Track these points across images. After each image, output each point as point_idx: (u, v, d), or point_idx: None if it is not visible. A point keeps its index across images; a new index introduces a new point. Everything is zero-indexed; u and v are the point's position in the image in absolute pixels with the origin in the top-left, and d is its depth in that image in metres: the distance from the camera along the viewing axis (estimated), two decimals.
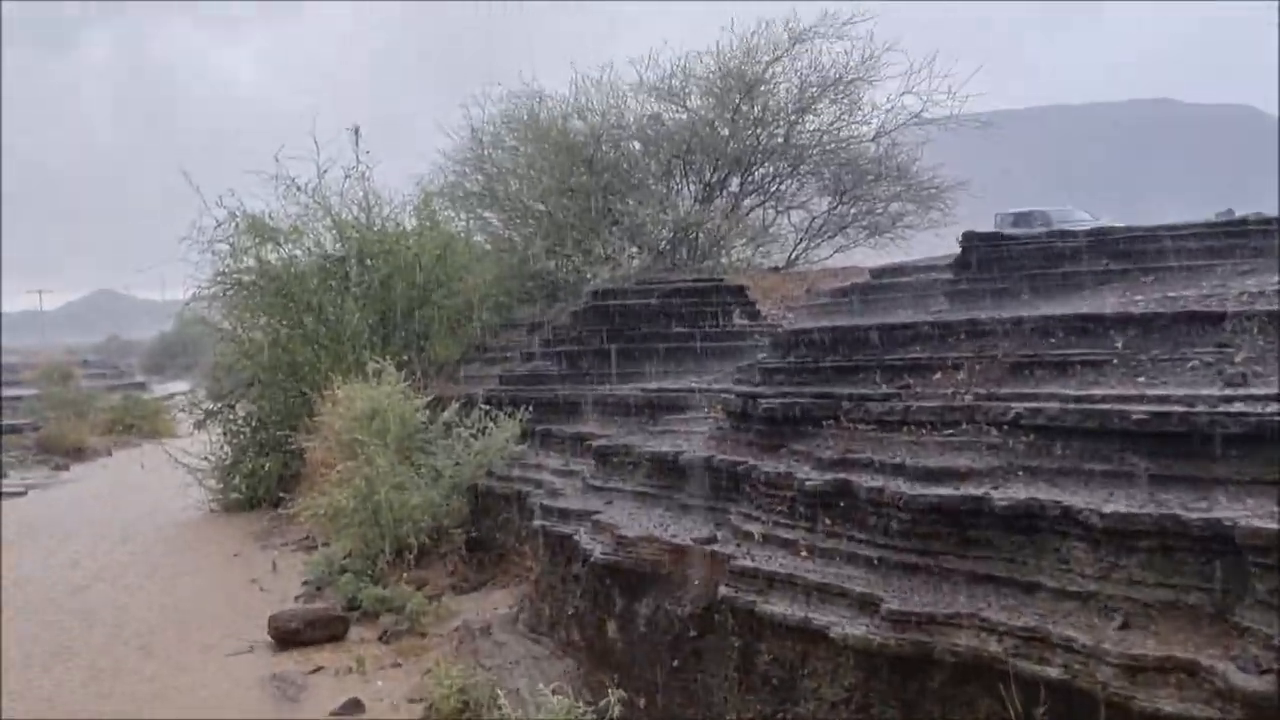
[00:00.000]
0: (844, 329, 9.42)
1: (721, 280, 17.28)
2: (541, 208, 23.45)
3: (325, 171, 22.43)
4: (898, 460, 7.19)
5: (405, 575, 14.10)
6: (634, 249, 22.80)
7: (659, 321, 15.73)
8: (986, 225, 19.60)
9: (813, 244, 25.26)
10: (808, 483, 7.54)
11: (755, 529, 7.95)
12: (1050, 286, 10.39)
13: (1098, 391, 6.82)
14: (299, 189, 22.40)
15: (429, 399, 16.24)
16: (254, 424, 23.73)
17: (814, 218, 25.23)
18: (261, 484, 22.49)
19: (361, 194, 22.78)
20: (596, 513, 10.01)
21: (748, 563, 7.52)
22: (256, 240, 22.48)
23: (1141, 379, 6.98)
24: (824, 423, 8.43)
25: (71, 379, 46.78)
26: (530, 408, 15.09)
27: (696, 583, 8.15)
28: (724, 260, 23.00)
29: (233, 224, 22.22)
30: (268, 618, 12.94)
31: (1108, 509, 5.67)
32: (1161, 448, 6.02)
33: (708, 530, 8.58)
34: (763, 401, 9.07)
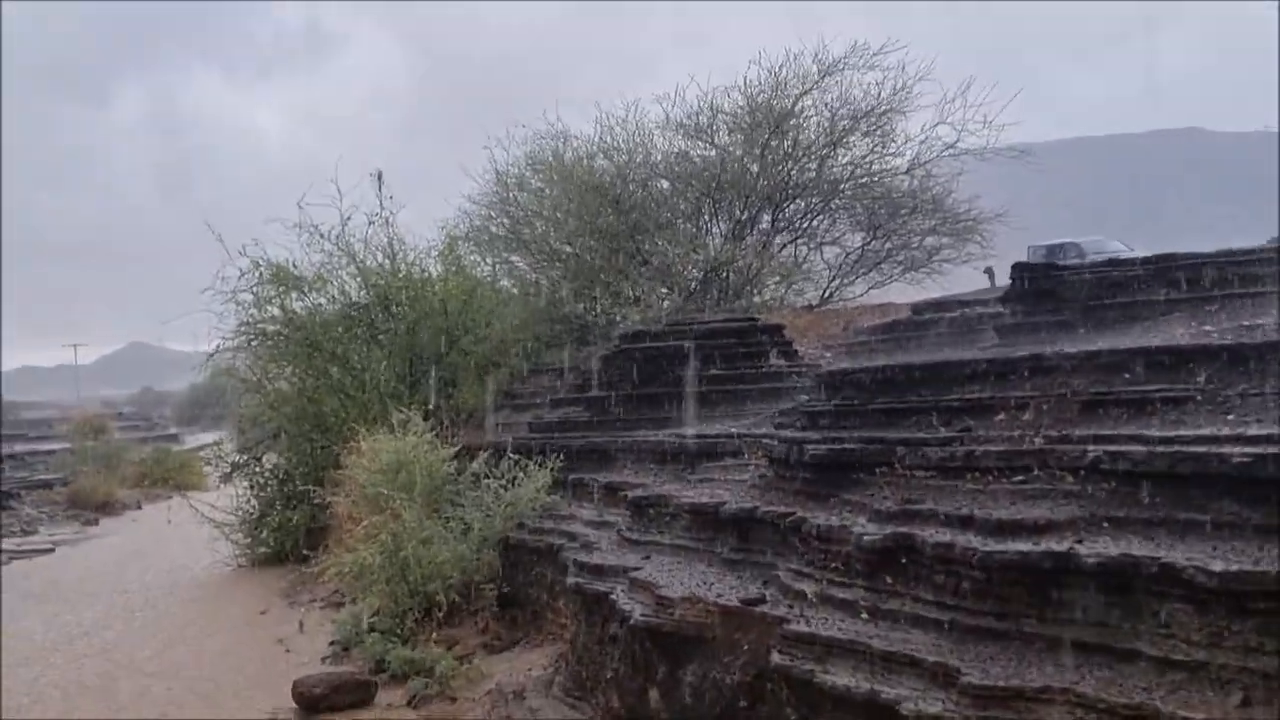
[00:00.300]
0: (893, 368, 8.85)
1: (756, 320, 16.66)
2: (568, 250, 23.06)
3: (349, 218, 22.17)
4: (964, 511, 6.58)
5: (434, 634, 13.48)
6: (664, 290, 22.33)
7: (692, 364, 15.11)
8: (1018, 258, 18.96)
9: (847, 280, 24.72)
10: (865, 537, 6.92)
11: (808, 588, 7.32)
12: (1110, 318, 9.80)
13: (1186, 432, 6.20)
14: (322, 236, 22.16)
15: (456, 448, 15.74)
16: (280, 476, 23.31)
17: (848, 253, 24.71)
18: (289, 537, 21.88)
19: (386, 240, 22.51)
20: (634, 569, 9.40)
21: (802, 627, 6.87)
22: (280, 289, 22.19)
23: (1230, 416, 6.37)
24: (877, 470, 7.85)
25: (105, 432, 46.81)
26: (561, 456, 14.53)
27: (746, 648, 7.51)
28: (756, 299, 22.43)
29: (256, 273, 21.96)
30: (292, 683, 12.40)
31: (1217, 566, 5.02)
32: (1268, 494, 5.39)
33: (756, 589, 7.95)
34: (809, 447, 8.49)
